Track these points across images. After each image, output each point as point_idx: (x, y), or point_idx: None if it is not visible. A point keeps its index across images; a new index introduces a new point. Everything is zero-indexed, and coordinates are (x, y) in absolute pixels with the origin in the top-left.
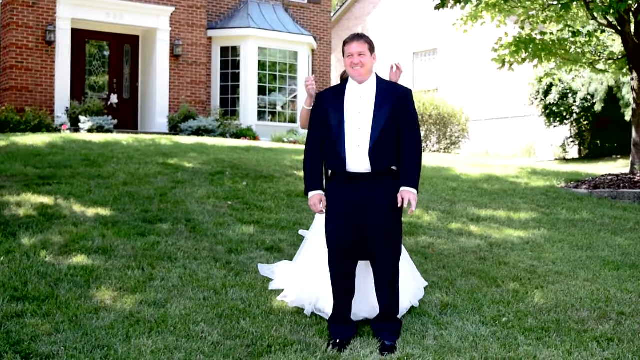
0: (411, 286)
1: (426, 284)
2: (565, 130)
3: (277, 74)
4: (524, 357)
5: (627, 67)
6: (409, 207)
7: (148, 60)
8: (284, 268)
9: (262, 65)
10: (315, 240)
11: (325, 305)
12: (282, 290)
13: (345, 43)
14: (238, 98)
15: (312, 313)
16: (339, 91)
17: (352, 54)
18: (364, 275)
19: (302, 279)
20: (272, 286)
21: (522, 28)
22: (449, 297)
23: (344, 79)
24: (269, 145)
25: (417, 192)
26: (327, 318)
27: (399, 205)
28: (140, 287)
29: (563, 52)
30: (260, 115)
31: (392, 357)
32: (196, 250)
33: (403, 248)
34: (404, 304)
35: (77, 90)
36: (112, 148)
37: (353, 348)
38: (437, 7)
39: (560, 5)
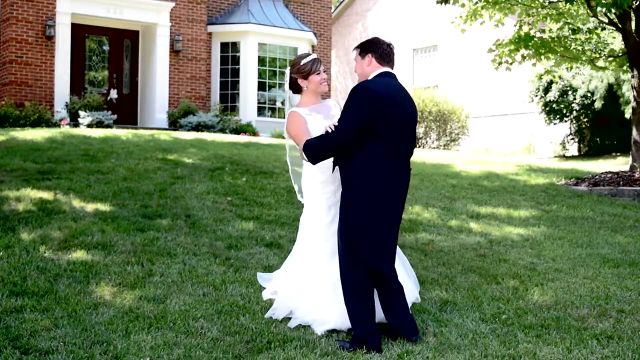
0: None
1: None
2: (565, 128)
3: (277, 69)
4: (524, 354)
5: (628, 64)
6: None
7: (148, 55)
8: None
9: (262, 61)
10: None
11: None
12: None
13: None
14: (238, 94)
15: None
16: None
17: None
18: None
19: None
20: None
21: (521, 28)
22: (448, 294)
23: None
24: (269, 141)
25: None
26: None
27: None
28: (139, 282)
29: (563, 49)
30: (260, 111)
31: (391, 353)
32: (195, 246)
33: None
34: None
35: (77, 85)
36: (111, 143)
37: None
38: (439, 2)
39: (565, 1)
